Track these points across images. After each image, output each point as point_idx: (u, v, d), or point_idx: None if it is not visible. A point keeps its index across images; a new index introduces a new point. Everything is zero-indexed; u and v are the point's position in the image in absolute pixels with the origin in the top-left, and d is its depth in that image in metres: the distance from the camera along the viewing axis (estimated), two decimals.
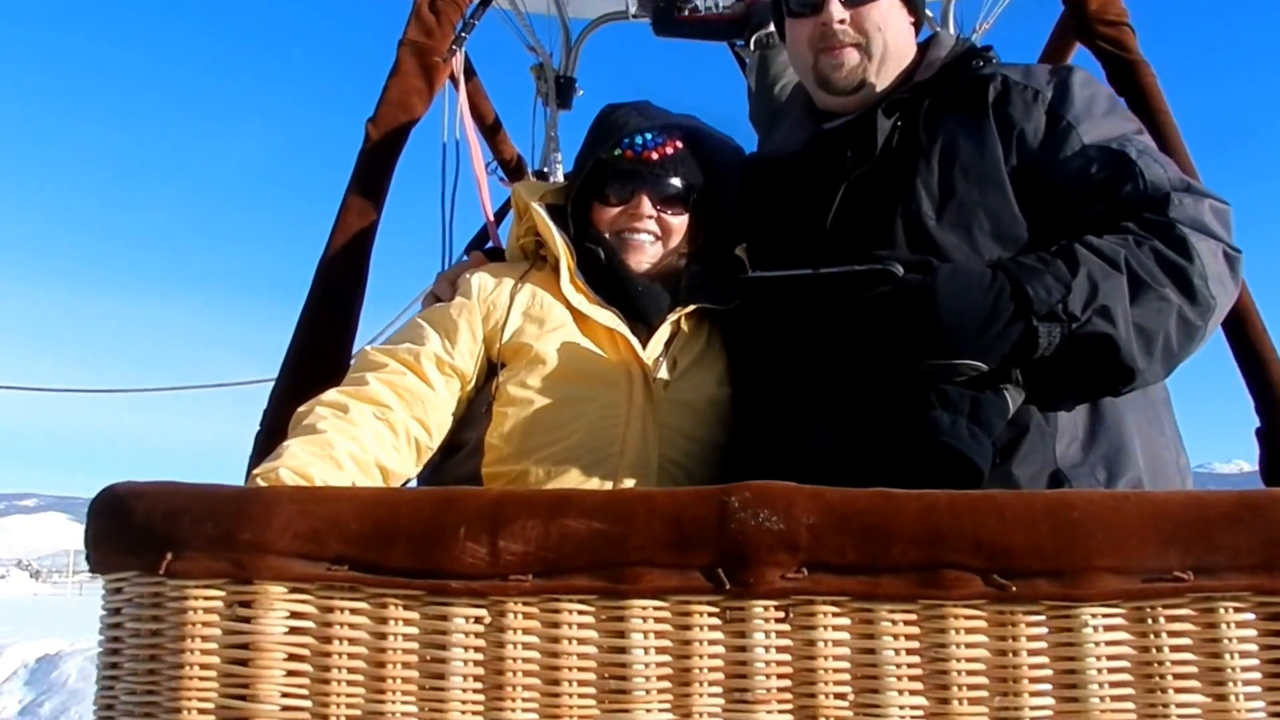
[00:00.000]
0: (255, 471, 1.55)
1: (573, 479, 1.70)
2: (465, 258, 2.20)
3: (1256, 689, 1.15)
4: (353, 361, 1.80)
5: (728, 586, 1.21)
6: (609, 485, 1.69)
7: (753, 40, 2.74)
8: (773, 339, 1.71)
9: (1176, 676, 1.15)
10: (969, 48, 1.79)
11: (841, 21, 1.77)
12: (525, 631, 1.25)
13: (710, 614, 1.23)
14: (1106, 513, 1.19)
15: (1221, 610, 1.16)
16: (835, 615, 1.21)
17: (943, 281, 1.43)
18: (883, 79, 1.79)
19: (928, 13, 2.22)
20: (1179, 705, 1.15)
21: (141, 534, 1.33)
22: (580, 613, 1.24)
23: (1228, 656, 1.15)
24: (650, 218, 1.84)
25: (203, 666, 1.28)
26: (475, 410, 1.79)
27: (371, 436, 1.64)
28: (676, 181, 1.84)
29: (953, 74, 1.74)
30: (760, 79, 2.60)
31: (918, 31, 1.89)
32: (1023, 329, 1.42)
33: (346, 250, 2.08)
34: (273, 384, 1.98)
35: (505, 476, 1.73)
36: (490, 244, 2.27)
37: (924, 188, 1.65)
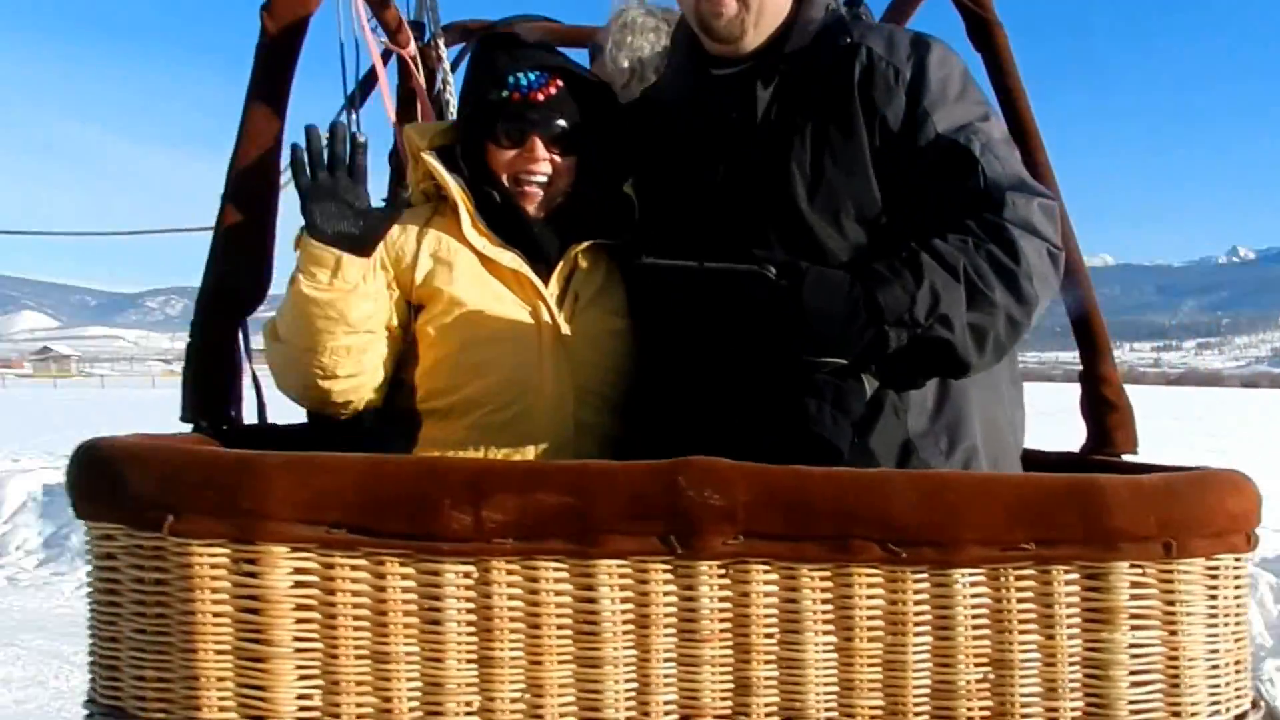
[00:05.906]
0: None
1: (498, 415, 1.92)
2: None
3: (1076, 630, 1.51)
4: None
5: (679, 550, 1.47)
6: (534, 418, 1.91)
7: None
8: (664, 311, 1.91)
9: (1020, 621, 1.50)
10: (837, 18, 1.98)
11: None
12: (509, 585, 1.46)
13: (664, 571, 1.48)
14: (975, 496, 1.51)
15: (1054, 572, 1.51)
16: (766, 573, 1.48)
17: (808, 289, 1.65)
18: (761, 30, 1.94)
19: None
20: (1021, 643, 1.50)
21: (138, 497, 1.46)
22: (556, 569, 1.47)
23: (1057, 607, 1.51)
24: (544, 159, 1.99)
25: (215, 615, 1.44)
26: (407, 350, 1.97)
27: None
28: (563, 122, 2.00)
29: (822, 45, 1.93)
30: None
31: None
32: (875, 332, 1.67)
33: (256, 157, 2.01)
34: (196, 295, 1.99)
35: (438, 411, 1.95)
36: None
37: (797, 170, 1.85)
